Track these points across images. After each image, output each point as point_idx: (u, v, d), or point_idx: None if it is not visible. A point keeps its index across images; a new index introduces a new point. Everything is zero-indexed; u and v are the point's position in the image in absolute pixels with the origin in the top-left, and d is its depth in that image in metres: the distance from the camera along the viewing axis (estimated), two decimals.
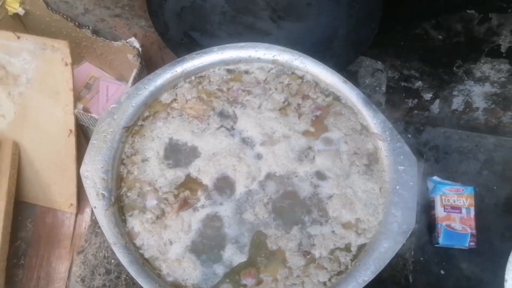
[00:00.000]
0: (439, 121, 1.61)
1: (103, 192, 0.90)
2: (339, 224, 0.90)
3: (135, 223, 0.90)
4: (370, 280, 0.82)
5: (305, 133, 1.00)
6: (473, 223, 1.41)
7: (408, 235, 0.86)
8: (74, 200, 1.50)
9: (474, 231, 1.40)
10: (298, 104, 1.03)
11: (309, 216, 0.91)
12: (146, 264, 0.86)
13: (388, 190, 0.92)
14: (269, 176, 0.95)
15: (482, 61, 1.32)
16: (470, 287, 1.39)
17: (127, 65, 1.56)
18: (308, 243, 0.88)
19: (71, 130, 1.42)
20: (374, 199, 0.92)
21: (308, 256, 0.87)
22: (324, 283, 0.84)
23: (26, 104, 1.44)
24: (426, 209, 1.47)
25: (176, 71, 1.04)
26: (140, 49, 1.45)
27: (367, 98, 1.01)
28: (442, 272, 1.42)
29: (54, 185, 1.49)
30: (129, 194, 0.94)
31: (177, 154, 0.98)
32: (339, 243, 0.88)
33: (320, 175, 0.95)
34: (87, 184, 0.91)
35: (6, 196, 1.41)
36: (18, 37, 1.38)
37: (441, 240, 1.40)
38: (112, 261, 1.12)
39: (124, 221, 0.91)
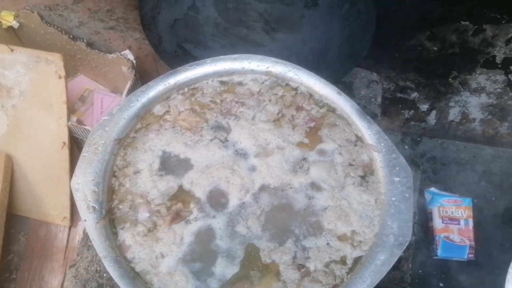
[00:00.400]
0: (436, 132, 1.60)
1: (93, 205, 0.89)
2: (334, 236, 0.88)
3: (126, 236, 0.89)
4: None
5: (300, 144, 0.99)
6: (471, 235, 1.39)
7: (405, 247, 0.84)
8: (67, 213, 1.48)
9: (472, 243, 1.38)
10: (292, 116, 1.03)
11: (303, 228, 0.89)
12: (137, 278, 0.84)
13: (384, 201, 0.91)
14: (263, 188, 0.94)
15: (477, 72, 1.32)
16: None
17: (122, 77, 1.56)
18: (302, 256, 0.86)
19: (64, 143, 1.41)
20: (369, 211, 0.91)
21: (302, 270, 0.85)
22: None
23: (19, 116, 1.43)
24: (424, 221, 1.46)
25: (169, 83, 1.04)
26: (134, 61, 1.45)
27: (362, 109, 1.00)
28: (441, 284, 1.40)
29: (47, 197, 1.48)
30: (120, 206, 0.92)
31: (169, 166, 0.97)
32: (334, 256, 0.86)
33: (315, 187, 0.94)
34: (77, 197, 0.89)
35: None
36: (12, 50, 1.37)
37: (440, 252, 1.38)
38: (104, 275, 1.10)
39: (115, 234, 0.89)
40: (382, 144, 0.96)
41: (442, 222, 1.41)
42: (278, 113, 1.03)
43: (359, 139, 0.99)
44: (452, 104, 1.46)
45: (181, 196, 0.93)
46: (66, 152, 1.41)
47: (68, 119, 1.39)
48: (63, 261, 1.47)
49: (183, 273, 0.85)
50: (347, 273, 0.85)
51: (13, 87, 1.41)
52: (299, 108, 1.03)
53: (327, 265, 0.86)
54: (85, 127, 1.37)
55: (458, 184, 1.55)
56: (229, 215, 0.91)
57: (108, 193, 0.93)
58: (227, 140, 1.00)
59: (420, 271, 1.41)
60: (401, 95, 1.47)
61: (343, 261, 0.86)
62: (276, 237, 0.89)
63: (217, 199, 0.93)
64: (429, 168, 1.58)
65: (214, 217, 0.91)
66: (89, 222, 0.87)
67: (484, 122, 1.52)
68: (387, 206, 0.90)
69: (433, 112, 1.52)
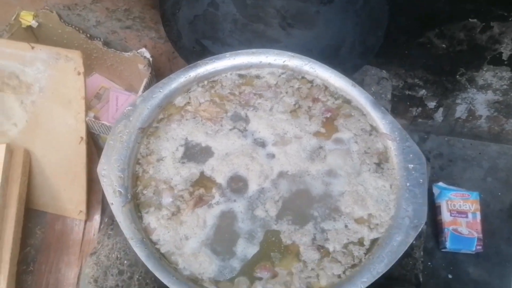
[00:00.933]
0: (442, 129, 1.64)
1: (119, 190, 0.92)
2: (351, 219, 0.92)
3: (151, 219, 0.92)
4: (384, 272, 0.83)
5: (316, 133, 1.03)
6: (479, 227, 1.43)
7: (420, 229, 0.88)
8: (83, 207, 1.51)
9: (480, 235, 1.42)
10: (309, 107, 1.07)
11: (321, 212, 0.93)
12: (163, 259, 0.88)
13: (399, 187, 0.94)
14: (281, 175, 0.98)
15: (484, 69, 1.36)
16: None
17: (137, 76, 1.60)
18: (321, 238, 0.90)
19: (82, 138, 1.44)
20: (385, 195, 0.94)
21: (322, 250, 0.88)
22: (339, 276, 0.86)
23: (38, 112, 1.46)
24: (433, 214, 1.49)
25: (190, 75, 1.08)
26: (151, 59, 1.49)
27: (376, 100, 1.04)
28: (450, 276, 1.43)
29: (64, 192, 1.51)
30: (144, 192, 0.96)
31: (191, 154, 1.01)
32: (352, 238, 0.90)
33: (332, 173, 0.98)
34: (104, 182, 0.93)
35: (17, 203, 1.42)
36: (32, 47, 1.41)
37: (448, 244, 1.41)
38: (125, 262, 1.13)
39: (140, 218, 0.93)
40: (396, 133, 1.00)
41: (450, 215, 1.44)
42: (295, 104, 1.07)
43: (373, 128, 1.03)
44: (459, 101, 1.51)
45: (203, 182, 0.97)
46: (83, 147, 1.44)
47: (86, 114, 1.42)
48: (79, 254, 1.50)
49: (207, 254, 0.88)
50: (365, 254, 0.88)
51: (32, 84, 1.44)
52: (315, 100, 1.07)
53: (345, 246, 0.89)
54: (102, 122, 1.41)
55: (465, 179, 1.59)
56: (249, 199, 0.94)
57: (133, 179, 0.97)
58: (246, 130, 1.04)
59: (429, 263, 1.44)
60: (410, 93, 1.52)
61: (360, 242, 0.90)
62: (295, 220, 0.92)
63: (237, 185, 0.96)
64: (436, 164, 1.62)
65: (235, 201, 0.94)
66: (115, 205, 0.91)
67: (490, 119, 1.56)
68: (402, 191, 0.93)
69: (440, 109, 1.56)
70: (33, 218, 1.56)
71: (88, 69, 1.69)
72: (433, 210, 1.50)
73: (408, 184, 0.94)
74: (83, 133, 1.44)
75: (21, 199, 1.45)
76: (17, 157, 1.48)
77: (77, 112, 1.42)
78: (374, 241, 0.90)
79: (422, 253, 1.14)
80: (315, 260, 0.88)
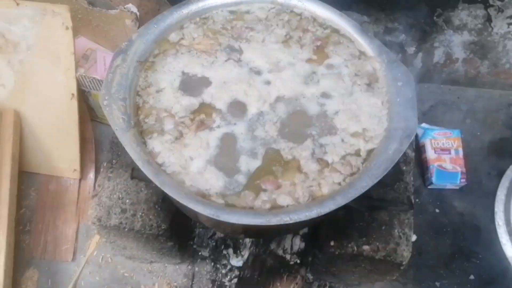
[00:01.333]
0: (422, 76, 1.71)
1: (122, 117, 0.94)
2: (347, 134, 0.97)
3: (155, 144, 0.94)
4: (382, 176, 0.87)
5: (309, 60, 1.07)
6: (462, 162, 1.50)
7: (412, 138, 0.93)
8: (77, 166, 1.52)
9: (464, 170, 1.49)
10: (299, 37, 1.11)
11: (318, 129, 0.97)
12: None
13: (390, 102, 0.99)
14: (278, 99, 1.02)
15: (460, 8, 1.43)
16: (463, 221, 1.48)
17: (123, 35, 1.61)
18: (320, 152, 0.94)
19: (73, 94, 1.45)
20: (377, 111, 0.99)
21: (321, 162, 0.93)
22: (339, 183, 0.90)
23: (27, 71, 1.46)
24: (417, 154, 1.56)
25: (182, 12, 1.12)
26: (138, 13, 1.50)
27: (362, 27, 1.09)
28: (437, 210, 1.50)
29: (56, 150, 1.51)
30: (146, 120, 0.98)
31: (189, 84, 1.04)
32: (349, 150, 0.94)
33: (326, 95, 1.02)
34: (106, 111, 0.94)
35: (11, 161, 1.43)
36: (18, 4, 1.41)
37: (434, 180, 1.48)
38: (127, 201, 1.15)
39: (144, 143, 0.95)
40: (384, 55, 1.05)
41: (435, 153, 1.51)
42: (286, 35, 1.11)
43: (362, 53, 1.08)
44: (436, 44, 1.57)
45: (203, 108, 1.00)
46: (75, 103, 1.45)
47: (76, 70, 1.43)
48: (76, 211, 1.51)
49: (213, 172, 0.91)
50: (362, 163, 0.93)
51: (19, 42, 1.44)
52: (305, 31, 1.12)
53: (343, 157, 0.94)
54: (93, 76, 1.42)
55: (446, 122, 1.66)
56: (248, 121, 0.98)
57: (134, 109, 0.99)
58: (241, 60, 1.07)
59: (417, 200, 1.51)
60: (390, 38, 1.57)
61: (357, 153, 0.94)
62: (294, 138, 0.96)
63: (237, 109, 1.00)
64: (418, 109, 1.67)
65: (235, 124, 0.98)
66: (120, 131, 0.92)
67: (466, 62, 1.63)
68: (393, 105, 0.99)
69: (419, 55, 1.62)
70: (26, 181, 1.56)
71: (74, 31, 1.69)
72: (418, 149, 1.56)
73: (398, 99, 0.99)
74: (74, 89, 1.45)
75: (15, 158, 1.46)
76: (7, 118, 1.48)
77: (67, 68, 1.43)
78: (370, 151, 0.94)
79: (412, 178, 1.20)
80: (316, 171, 0.92)
